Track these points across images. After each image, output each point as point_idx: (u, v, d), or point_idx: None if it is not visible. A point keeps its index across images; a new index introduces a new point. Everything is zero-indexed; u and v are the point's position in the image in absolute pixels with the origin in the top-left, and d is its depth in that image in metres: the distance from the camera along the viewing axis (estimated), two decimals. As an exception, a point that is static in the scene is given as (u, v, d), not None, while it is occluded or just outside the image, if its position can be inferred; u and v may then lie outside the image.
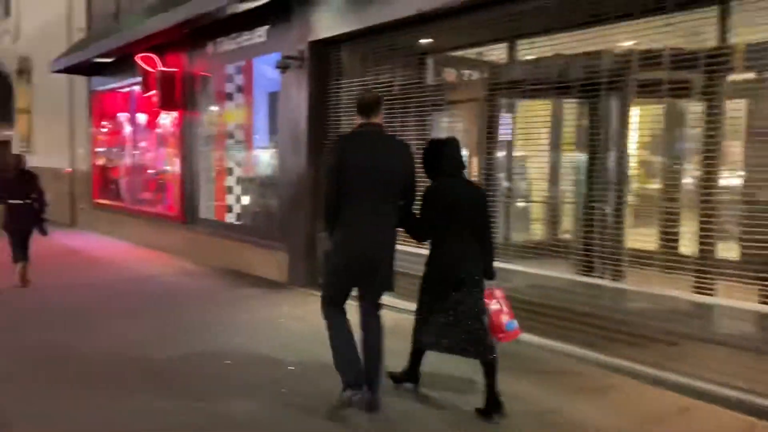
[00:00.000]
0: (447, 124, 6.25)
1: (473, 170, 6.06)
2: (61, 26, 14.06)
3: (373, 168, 3.46)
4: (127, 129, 12.12)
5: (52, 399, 3.94)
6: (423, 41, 6.25)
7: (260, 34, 7.78)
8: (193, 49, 9.18)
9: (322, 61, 6.99)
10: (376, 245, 3.54)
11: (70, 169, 14.30)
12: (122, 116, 12.20)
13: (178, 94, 9.37)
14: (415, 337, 3.80)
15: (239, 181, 9.18)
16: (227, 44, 8.45)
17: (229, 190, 9.23)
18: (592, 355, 4.61)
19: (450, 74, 6.69)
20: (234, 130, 9.26)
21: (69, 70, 12.42)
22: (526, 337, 4.40)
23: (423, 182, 3.81)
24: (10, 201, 7.17)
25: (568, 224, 5.72)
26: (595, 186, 5.05)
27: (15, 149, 18.66)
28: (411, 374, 3.97)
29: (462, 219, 3.59)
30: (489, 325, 3.58)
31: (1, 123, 19.00)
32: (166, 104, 9.42)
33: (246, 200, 9.17)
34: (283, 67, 7.10)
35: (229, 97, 9.16)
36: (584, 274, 4.92)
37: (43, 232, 7.46)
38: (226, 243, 8.62)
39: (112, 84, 11.99)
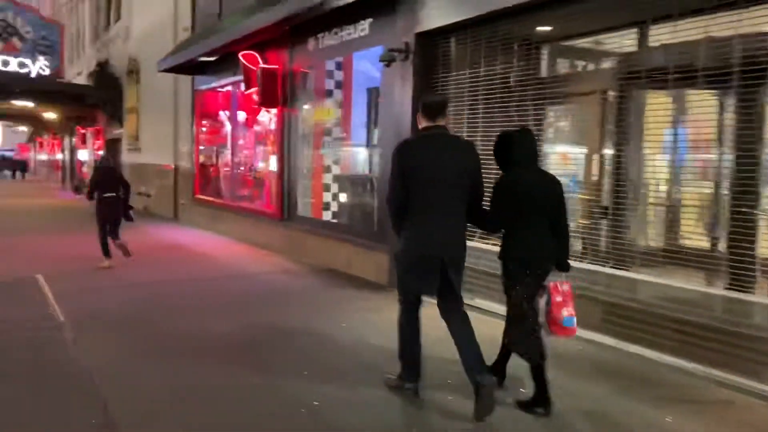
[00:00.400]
0: (566, 119, 5.74)
1: (594, 169, 5.55)
2: (167, 27, 14.58)
3: (439, 170, 3.52)
4: (228, 127, 12.34)
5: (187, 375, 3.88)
6: (541, 29, 5.78)
7: (363, 27, 7.56)
8: (294, 46, 9.13)
9: (429, 53, 6.67)
10: (446, 244, 3.59)
11: (172, 166, 14.82)
12: (223, 114, 12.44)
13: (278, 91, 9.36)
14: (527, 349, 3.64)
15: (337, 178, 9.05)
16: (328, 39, 8.31)
17: (327, 187, 9.11)
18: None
19: (569, 65, 6.17)
20: (332, 127, 9.13)
21: (174, 69, 12.83)
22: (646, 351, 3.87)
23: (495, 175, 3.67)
24: (105, 195, 8.20)
25: (705, 230, 5.08)
26: (744, 188, 4.41)
27: (124, 147, 19.74)
28: (495, 368, 3.87)
29: (535, 210, 3.55)
30: (546, 317, 3.54)
31: (113, 122, 20.11)
32: (267, 101, 9.44)
33: (343, 198, 9.03)
34: (387, 60, 6.84)
35: (328, 93, 9.05)
36: (731, 288, 4.31)
37: (130, 219, 8.56)
38: (323, 241, 8.49)
39: (215, 83, 12.25)
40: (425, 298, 3.78)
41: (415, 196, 3.55)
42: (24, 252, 9.45)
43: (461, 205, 3.61)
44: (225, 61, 11.12)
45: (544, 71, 5.80)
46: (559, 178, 3.75)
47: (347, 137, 9.05)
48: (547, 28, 5.77)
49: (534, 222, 3.54)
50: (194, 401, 3.84)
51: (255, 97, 9.67)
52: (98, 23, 22.74)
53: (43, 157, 42.87)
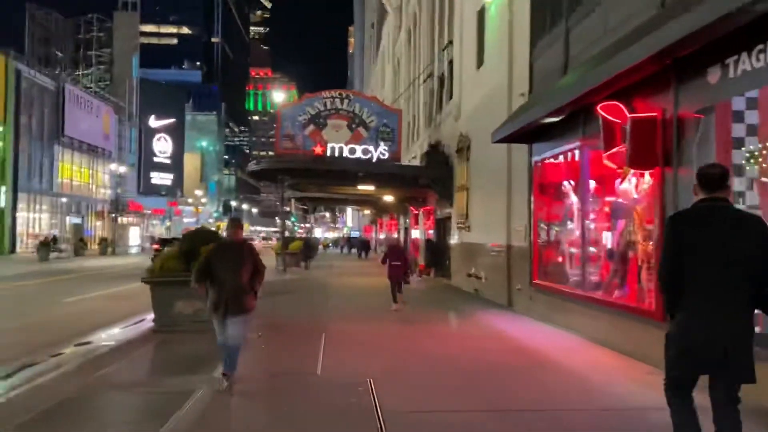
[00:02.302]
0: None
1: None
2: (501, 96, 13.53)
3: (717, 249, 3.25)
4: (573, 199, 10.30)
5: None
6: None
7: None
8: (680, 83, 6.72)
9: None
10: (722, 332, 3.20)
11: (504, 245, 13.33)
12: (567, 185, 10.47)
13: (657, 146, 6.99)
14: None
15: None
16: (743, 64, 5.70)
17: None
18: None
19: None
20: (745, 189, 6.32)
21: (509, 138, 11.49)
22: None
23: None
24: (393, 263, 12.51)
25: None
26: None
27: (453, 225, 19.32)
28: None
29: None
30: None
31: (443, 201, 20.03)
32: (639, 161, 7.13)
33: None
34: None
35: (737, 143, 6.32)
36: None
37: (407, 282, 13.10)
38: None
39: (557, 148, 10.46)
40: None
41: (688, 276, 3.28)
42: (359, 342, 8.70)
43: (743, 288, 3.21)
44: (571, 121, 9.27)
45: None
46: None
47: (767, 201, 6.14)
48: None
49: None
50: None
51: (610, 161, 7.49)
52: (431, 107, 23.61)
53: (382, 237, 47.23)
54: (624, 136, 7.31)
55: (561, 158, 10.67)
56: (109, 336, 9.59)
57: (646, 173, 7.40)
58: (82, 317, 12.07)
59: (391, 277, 12.34)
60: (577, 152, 9.80)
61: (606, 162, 7.95)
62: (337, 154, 21.71)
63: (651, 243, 7.41)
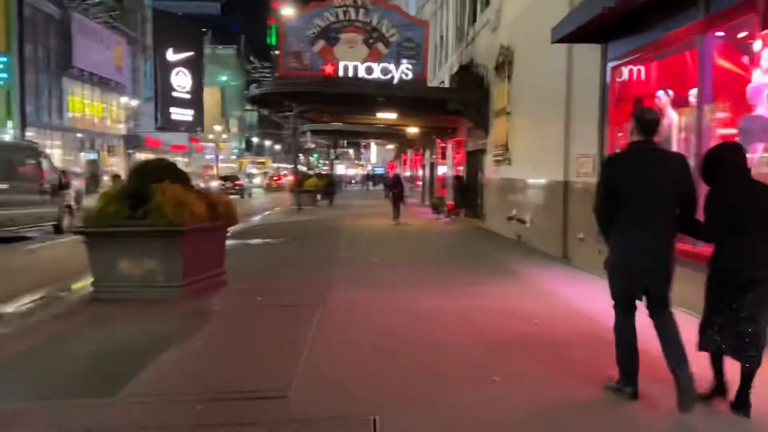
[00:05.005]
0: None
1: None
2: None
3: (646, 184, 3.74)
4: (673, 116, 7.29)
5: None
6: None
7: None
8: None
9: None
10: (650, 252, 3.77)
11: (561, 181, 10.41)
12: (663, 96, 7.43)
13: None
14: (699, 339, 3.80)
15: None
16: None
17: None
18: None
19: None
20: None
21: (575, 34, 8.36)
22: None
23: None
24: (393, 191, 18.40)
25: None
26: None
27: (488, 159, 16.38)
28: (717, 387, 3.84)
29: (747, 221, 3.64)
30: None
31: (476, 130, 16.94)
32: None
33: None
34: None
35: None
36: None
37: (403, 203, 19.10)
38: None
39: (647, 43, 7.37)
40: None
41: (618, 208, 3.81)
42: (368, 324, 6.03)
43: (665, 214, 3.78)
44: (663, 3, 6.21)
45: None
46: None
47: None
48: None
49: (746, 233, 3.64)
50: None
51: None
52: (463, 22, 20.11)
53: (407, 173, 44.26)
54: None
55: (656, 58, 7.59)
56: (35, 305, 7.08)
57: None
58: (28, 270, 9.70)
59: (394, 200, 18.26)
60: (689, 44, 6.72)
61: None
62: (351, 75, 18.53)
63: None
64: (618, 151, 4.38)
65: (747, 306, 3.58)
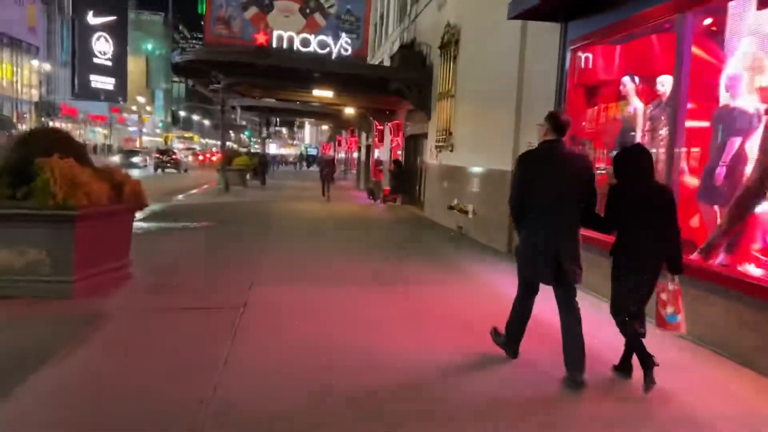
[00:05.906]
0: None
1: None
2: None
3: (552, 181, 4.15)
4: (638, 105, 6.69)
5: None
6: None
7: None
8: None
9: None
10: (555, 241, 4.15)
11: (507, 170, 9.75)
12: (629, 83, 6.81)
13: None
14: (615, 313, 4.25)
15: None
16: None
17: None
18: None
19: None
20: None
21: (534, 10, 7.64)
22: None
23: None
24: (324, 170, 20.01)
25: None
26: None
27: (429, 144, 15.63)
28: (623, 364, 4.36)
29: (645, 216, 4.06)
30: (656, 313, 4.14)
31: (417, 113, 16.13)
32: None
33: None
34: None
35: None
36: None
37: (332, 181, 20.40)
38: None
39: (611, 19, 6.72)
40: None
41: (529, 201, 4.24)
42: (297, 338, 5.08)
43: (570, 209, 4.19)
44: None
45: None
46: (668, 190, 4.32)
47: None
48: None
49: (643, 225, 4.06)
50: None
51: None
52: (405, -2, 19.18)
53: (341, 155, 43.10)
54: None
55: (624, 40, 6.95)
56: None
57: None
58: None
59: (324, 178, 19.76)
60: (664, 26, 6.08)
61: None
62: (285, 46, 17.23)
63: None
64: (530, 149, 4.80)
65: (635, 288, 4.10)
